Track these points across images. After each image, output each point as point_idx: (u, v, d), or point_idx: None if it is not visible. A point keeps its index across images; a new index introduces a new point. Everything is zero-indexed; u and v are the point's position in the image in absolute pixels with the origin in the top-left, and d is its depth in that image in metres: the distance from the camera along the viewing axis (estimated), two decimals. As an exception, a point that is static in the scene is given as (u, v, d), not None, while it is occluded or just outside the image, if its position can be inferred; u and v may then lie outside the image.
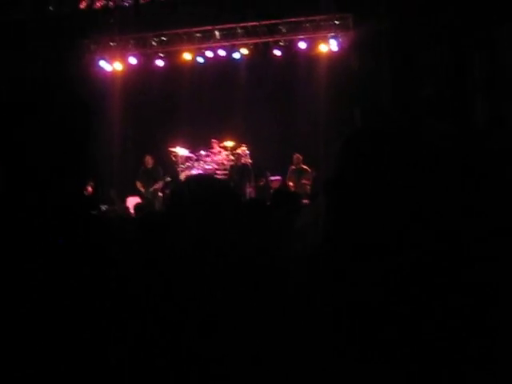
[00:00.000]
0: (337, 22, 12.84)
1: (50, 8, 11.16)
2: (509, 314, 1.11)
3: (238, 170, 12.69)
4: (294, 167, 12.61)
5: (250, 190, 12.59)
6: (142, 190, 12.78)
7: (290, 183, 12.47)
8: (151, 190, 12.56)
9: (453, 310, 1.14)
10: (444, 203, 1.19)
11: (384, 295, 1.19)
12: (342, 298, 1.23)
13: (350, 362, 1.21)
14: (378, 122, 1.32)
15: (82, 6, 11.10)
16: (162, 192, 12.63)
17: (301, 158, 12.53)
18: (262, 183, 12.76)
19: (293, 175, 12.59)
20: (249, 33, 13.26)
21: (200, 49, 13.58)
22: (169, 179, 12.61)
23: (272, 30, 13.13)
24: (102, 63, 13.90)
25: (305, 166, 12.50)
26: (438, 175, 1.21)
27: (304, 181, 12.36)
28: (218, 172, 13.43)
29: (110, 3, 11.07)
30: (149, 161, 12.91)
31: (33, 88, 1.51)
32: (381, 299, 1.19)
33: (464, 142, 1.36)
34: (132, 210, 10.34)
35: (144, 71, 13.90)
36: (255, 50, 13.47)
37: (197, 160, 13.44)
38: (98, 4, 11.07)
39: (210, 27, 13.19)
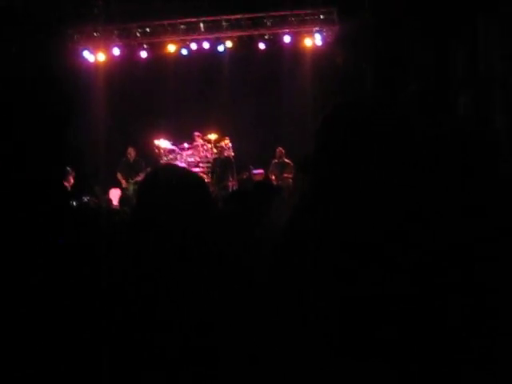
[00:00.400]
0: (322, 17, 12.86)
1: (34, -4, 11.01)
2: (509, 314, 1.12)
3: (220, 163, 12.66)
4: (276, 161, 12.63)
5: (232, 184, 12.58)
6: (123, 181, 12.70)
7: (272, 176, 12.49)
8: (133, 181, 12.47)
9: (453, 310, 1.14)
10: (420, 187, 1.19)
11: (375, 289, 1.19)
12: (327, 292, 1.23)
13: (346, 360, 1.21)
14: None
15: (66, -6, 10.97)
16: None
17: (283, 151, 12.56)
18: (244, 176, 12.74)
19: (275, 169, 12.61)
20: (233, 26, 13.20)
21: (184, 41, 13.50)
22: None
23: (257, 24, 13.10)
24: (86, 53, 13.77)
25: (287, 160, 12.52)
26: (419, 162, 1.21)
27: (286, 174, 12.38)
28: (201, 165, 13.39)
29: (95, -7, 10.96)
30: (131, 153, 12.82)
31: (13, 79, 1.49)
32: (372, 293, 1.18)
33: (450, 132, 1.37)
34: (115, 202, 10.31)
35: (127, 62, 13.77)
36: (240, 42, 13.43)
37: (180, 153, 13.39)
38: (82, -7, 10.96)
39: (194, 19, 13.11)
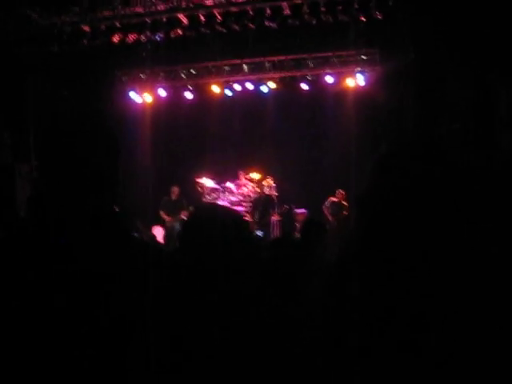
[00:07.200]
0: (364, 57, 12.95)
1: (84, 41, 11.44)
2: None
3: (262, 202, 12.71)
4: (335, 199, 12.61)
5: (274, 219, 12.61)
6: (167, 218, 12.82)
7: (329, 216, 12.46)
8: (178, 219, 12.57)
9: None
10: (469, 221, 1.19)
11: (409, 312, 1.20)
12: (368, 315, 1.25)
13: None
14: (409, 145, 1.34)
15: (115, 39, 11.35)
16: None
17: (343, 193, 12.51)
18: (284, 210, 12.77)
19: (331, 208, 12.56)
20: (276, 67, 13.42)
21: (228, 82, 13.77)
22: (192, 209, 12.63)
23: (299, 65, 13.28)
24: (132, 94, 14.19)
25: (345, 202, 12.46)
26: (466, 197, 1.21)
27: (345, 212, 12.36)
28: (244, 204, 13.46)
29: (142, 37, 11.30)
30: (175, 191, 13.01)
31: (66, 119, 1.58)
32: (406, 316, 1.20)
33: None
34: (159, 239, 10.46)
35: (173, 103, 14.10)
36: (283, 83, 13.59)
37: (223, 191, 13.51)
38: (131, 38, 11.31)
39: (238, 61, 13.39)
